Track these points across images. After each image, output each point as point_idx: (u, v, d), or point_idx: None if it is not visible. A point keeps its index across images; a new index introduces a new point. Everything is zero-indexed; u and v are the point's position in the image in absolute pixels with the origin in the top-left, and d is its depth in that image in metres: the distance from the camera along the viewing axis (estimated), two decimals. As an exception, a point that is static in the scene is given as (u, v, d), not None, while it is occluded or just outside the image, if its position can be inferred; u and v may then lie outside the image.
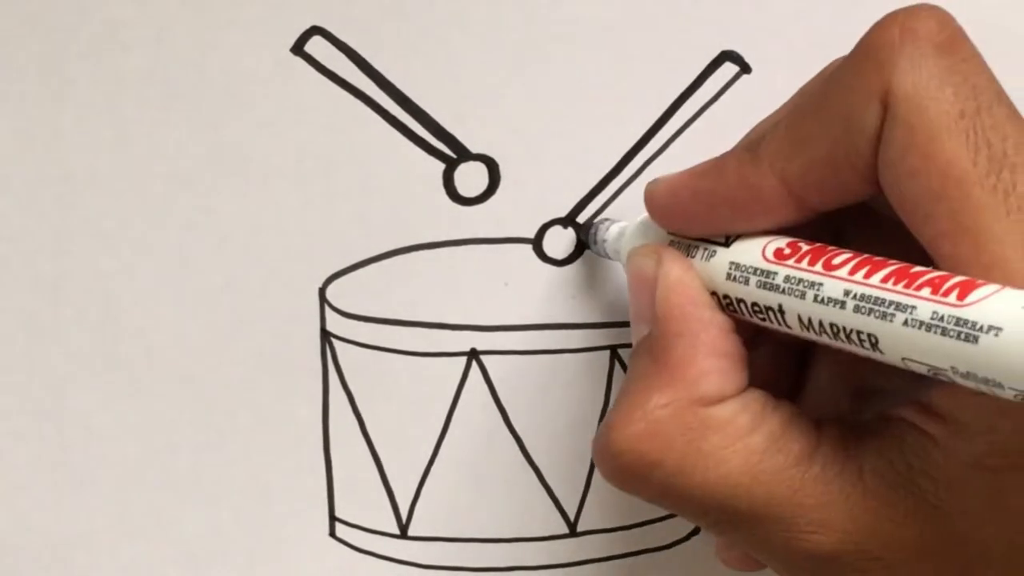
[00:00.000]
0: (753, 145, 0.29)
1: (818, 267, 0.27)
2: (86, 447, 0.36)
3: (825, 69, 0.30)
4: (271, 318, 0.35)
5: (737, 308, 0.29)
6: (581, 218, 0.36)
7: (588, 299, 0.36)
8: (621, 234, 0.33)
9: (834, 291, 0.26)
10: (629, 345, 0.36)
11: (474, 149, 0.35)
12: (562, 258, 0.36)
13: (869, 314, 0.26)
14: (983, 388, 0.24)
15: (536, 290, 0.36)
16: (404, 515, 0.37)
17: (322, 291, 0.35)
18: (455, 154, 0.35)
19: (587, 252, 0.36)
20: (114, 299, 0.35)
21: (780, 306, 0.28)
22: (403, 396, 0.36)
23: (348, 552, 0.37)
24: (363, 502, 0.37)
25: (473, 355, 0.36)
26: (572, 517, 0.37)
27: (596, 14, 0.35)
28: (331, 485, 0.37)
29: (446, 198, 0.35)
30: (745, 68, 0.35)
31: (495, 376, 0.36)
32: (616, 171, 0.35)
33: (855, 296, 0.26)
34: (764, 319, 0.29)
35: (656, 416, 0.28)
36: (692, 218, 0.30)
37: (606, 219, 0.35)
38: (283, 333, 0.36)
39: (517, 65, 0.35)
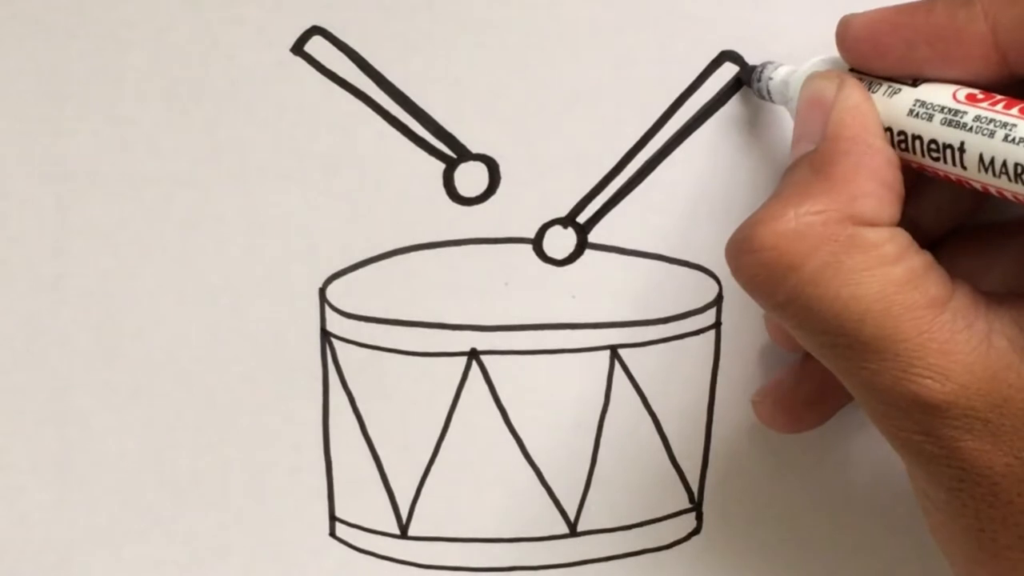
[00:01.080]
0: None
1: (1014, 111, 0.27)
2: (86, 447, 0.36)
3: None
4: (271, 318, 0.35)
5: (911, 146, 0.29)
6: (581, 218, 0.36)
7: (588, 299, 0.36)
8: (790, 74, 0.33)
9: None
10: (629, 345, 0.36)
11: (474, 149, 0.35)
12: (562, 258, 0.36)
13: None
14: None
15: (536, 290, 0.36)
16: (404, 515, 0.37)
17: (322, 291, 0.35)
18: (455, 154, 0.35)
19: (588, 252, 0.36)
20: (114, 299, 0.35)
21: (963, 144, 0.28)
22: (403, 396, 0.36)
23: (348, 552, 0.37)
24: (363, 502, 0.37)
25: (473, 355, 0.36)
26: (572, 517, 0.37)
27: (596, 14, 0.35)
28: (331, 485, 0.37)
29: (446, 198, 0.35)
30: (745, 68, 0.35)
31: (495, 376, 0.36)
32: (616, 171, 0.35)
33: None
34: (938, 158, 0.29)
35: (807, 220, 0.28)
36: (886, 53, 0.30)
37: (771, 61, 0.35)
38: (283, 333, 0.36)
39: (517, 65, 0.35)
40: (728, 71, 0.35)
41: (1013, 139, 0.27)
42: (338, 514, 0.37)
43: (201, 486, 0.36)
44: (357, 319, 0.36)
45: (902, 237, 0.29)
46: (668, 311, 0.36)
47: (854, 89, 0.30)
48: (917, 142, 0.29)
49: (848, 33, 0.31)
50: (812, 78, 0.31)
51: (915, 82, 0.30)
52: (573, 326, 0.36)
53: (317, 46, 0.34)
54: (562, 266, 0.36)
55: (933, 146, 0.29)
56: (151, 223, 0.35)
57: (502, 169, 0.35)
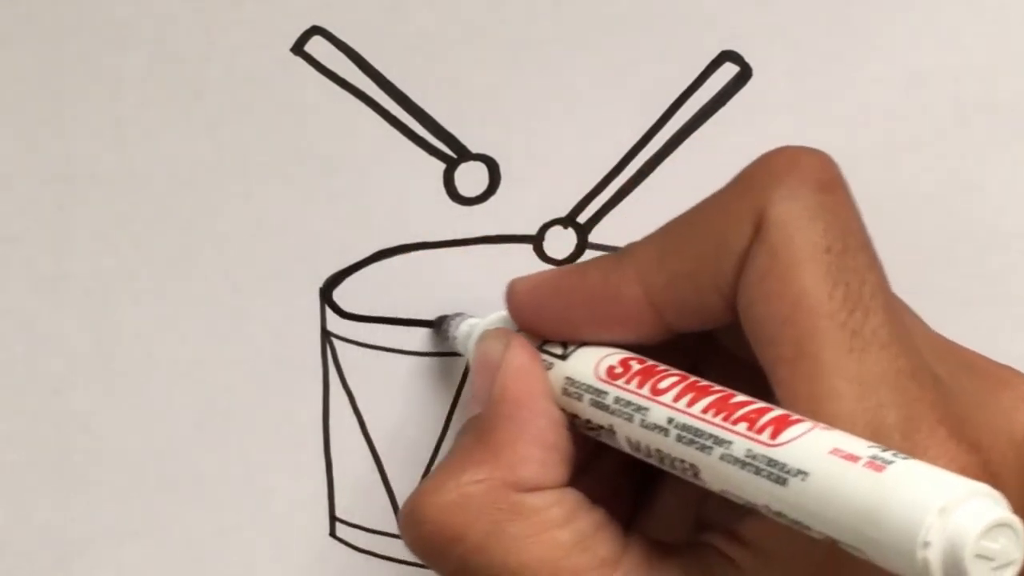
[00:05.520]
0: (622, 252, 0.29)
1: (645, 390, 0.27)
2: (86, 447, 0.36)
3: None
4: (271, 318, 0.35)
5: (574, 423, 0.29)
6: (582, 218, 0.36)
7: (588, 299, 0.36)
8: (472, 329, 0.33)
9: (659, 418, 0.27)
10: (629, 345, 0.36)
11: (474, 149, 0.35)
12: (562, 258, 0.36)
13: (690, 445, 0.26)
14: (794, 526, 0.24)
15: (536, 290, 0.36)
16: (404, 515, 0.37)
17: (322, 291, 0.35)
18: (455, 154, 0.35)
19: (588, 252, 0.36)
20: (114, 299, 0.35)
21: (612, 426, 0.28)
22: (403, 396, 0.36)
23: (348, 552, 0.37)
24: (363, 502, 0.37)
25: (473, 355, 0.36)
26: (572, 517, 0.37)
27: (596, 14, 0.35)
28: (331, 485, 0.37)
29: (446, 198, 0.35)
30: (745, 68, 0.35)
31: (495, 376, 0.36)
32: (616, 171, 0.35)
33: (677, 425, 0.26)
34: (599, 436, 0.29)
35: (467, 491, 0.28)
36: (549, 317, 0.30)
37: (460, 313, 0.35)
38: (283, 333, 0.36)
39: (517, 65, 0.35)
40: (728, 71, 0.35)
41: (647, 425, 0.27)
42: (338, 514, 0.37)
43: (201, 486, 0.36)
44: (357, 319, 0.36)
45: (570, 499, 0.28)
46: (668, 311, 0.36)
47: (519, 350, 0.30)
48: (577, 420, 0.29)
49: (513, 296, 0.31)
50: (482, 338, 0.31)
51: (565, 352, 0.30)
52: (573, 326, 0.36)
53: (317, 46, 0.34)
54: (562, 266, 0.36)
55: (591, 424, 0.29)
56: (151, 223, 0.35)
57: (502, 169, 0.35)
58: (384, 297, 0.36)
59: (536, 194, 0.35)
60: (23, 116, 0.34)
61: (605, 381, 0.28)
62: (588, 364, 0.29)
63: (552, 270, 0.31)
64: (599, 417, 0.28)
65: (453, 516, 0.28)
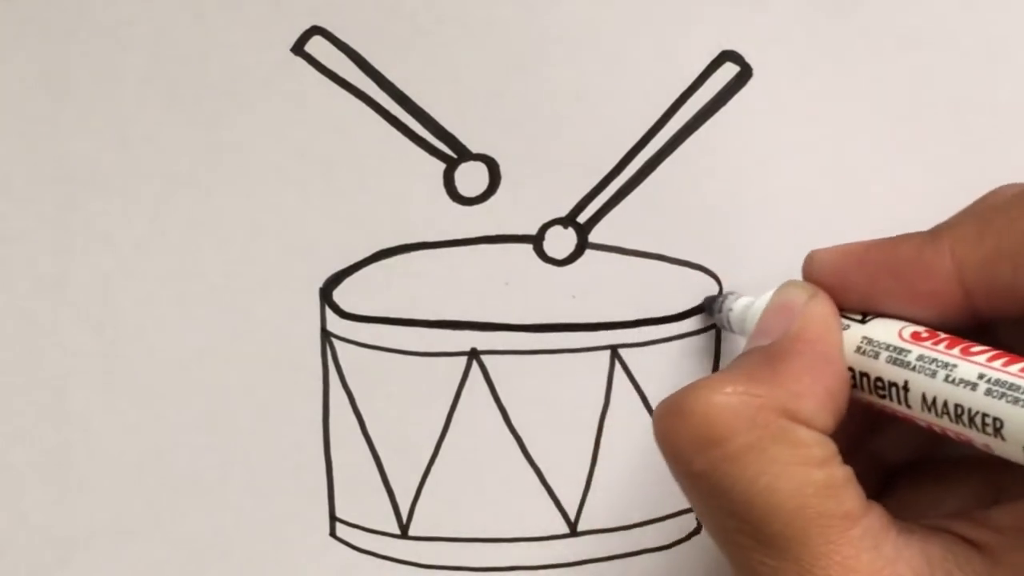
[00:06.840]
0: (938, 228, 0.29)
1: (955, 351, 0.28)
2: (86, 447, 0.36)
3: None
4: (271, 318, 0.35)
5: (859, 383, 0.29)
6: (582, 218, 0.36)
7: (588, 299, 0.36)
8: (749, 305, 0.33)
9: (968, 373, 0.27)
10: (629, 345, 0.36)
11: (474, 149, 0.35)
12: (562, 258, 0.36)
13: (1001, 398, 0.26)
14: None
15: (536, 290, 0.36)
16: (404, 515, 0.37)
17: (322, 291, 0.35)
18: (455, 154, 0.35)
19: (588, 252, 0.36)
20: (114, 299, 0.35)
21: (906, 383, 0.28)
22: (403, 396, 0.36)
23: (348, 552, 0.37)
24: (363, 502, 0.37)
25: (473, 355, 0.36)
26: (572, 517, 0.37)
27: (596, 14, 0.35)
28: (331, 485, 0.37)
29: (446, 198, 0.35)
30: (745, 68, 0.35)
31: (495, 376, 0.36)
32: (617, 171, 0.35)
33: (989, 380, 0.27)
34: (884, 396, 0.29)
35: (743, 400, 0.28)
36: (852, 286, 0.30)
37: (732, 292, 0.35)
38: (283, 333, 0.36)
39: (517, 65, 0.35)
40: (728, 71, 0.35)
41: (953, 380, 0.27)
42: (338, 514, 0.37)
43: (201, 486, 0.36)
44: (357, 319, 0.36)
45: (830, 445, 0.28)
46: (668, 311, 0.36)
47: (825, 302, 0.30)
48: (864, 379, 0.29)
49: (815, 264, 0.31)
50: (786, 285, 0.31)
51: (864, 319, 0.30)
52: (573, 326, 0.36)
53: (317, 46, 0.34)
54: (562, 266, 0.36)
55: (879, 384, 0.29)
56: (151, 223, 0.35)
57: (502, 169, 0.35)
58: (384, 297, 0.36)
59: (536, 194, 0.35)
60: (23, 116, 0.34)
61: (909, 342, 0.29)
62: (890, 328, 0.29)
63: (858, 242, 0.31)
64: (893, 374, 0.29)
65: (721, 416, 0.28)
